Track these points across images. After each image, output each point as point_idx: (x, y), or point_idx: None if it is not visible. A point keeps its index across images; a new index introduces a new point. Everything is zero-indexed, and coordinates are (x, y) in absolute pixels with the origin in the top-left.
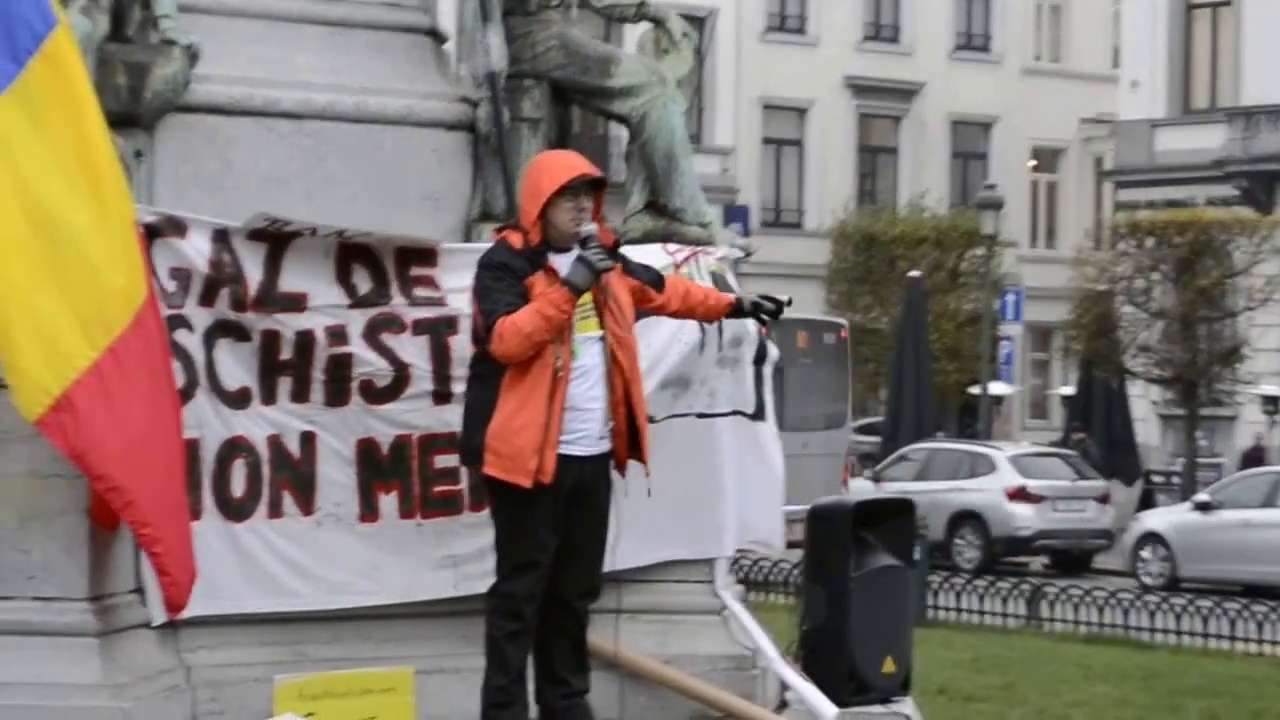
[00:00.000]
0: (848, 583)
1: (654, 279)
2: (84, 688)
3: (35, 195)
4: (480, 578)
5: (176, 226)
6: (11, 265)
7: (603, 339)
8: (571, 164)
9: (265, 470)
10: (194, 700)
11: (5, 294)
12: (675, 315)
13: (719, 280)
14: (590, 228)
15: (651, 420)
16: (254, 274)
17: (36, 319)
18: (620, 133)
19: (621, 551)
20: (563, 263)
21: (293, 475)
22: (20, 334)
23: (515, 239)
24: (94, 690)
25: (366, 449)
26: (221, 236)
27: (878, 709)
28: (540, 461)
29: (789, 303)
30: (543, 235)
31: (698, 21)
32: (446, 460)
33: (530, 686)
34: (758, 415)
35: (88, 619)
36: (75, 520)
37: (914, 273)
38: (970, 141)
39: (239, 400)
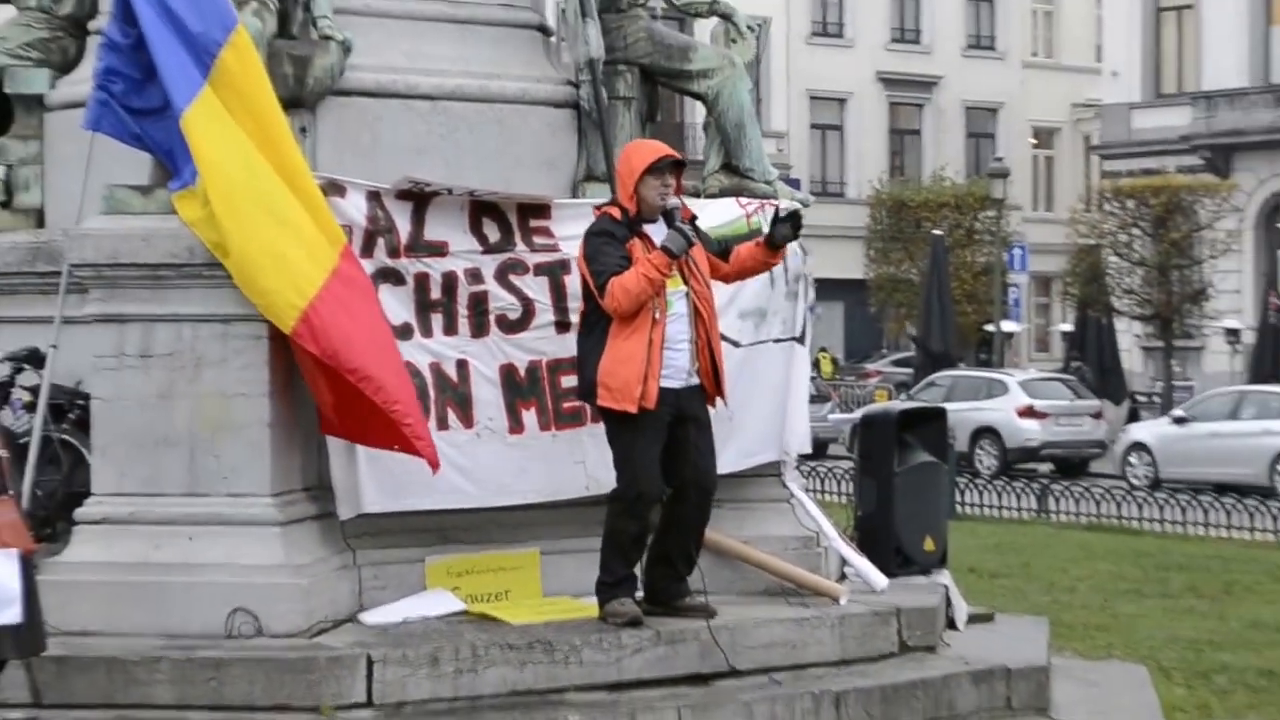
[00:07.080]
0: (893, 476)
1: (721, 252)
2: (269, 568)
3: (243, 158)
4: (603, 480)
5: (337, 188)
6: (243, 210)
7: (688, 294)
8: (657, 147)
9: (431, 392)
10: (360, 578)
11: (245, 231)
12: (733, 277)
13: None
14: (675, 201)
15: (737, 345)
16: (403, 226)
17: (274, 248)
18: (695, 119)
19: (726, 459)
20: (653, 231)
21: (454, 395)
22: (264, 260)
23: (615, 213)
24: (278, 570)
25: (507, 372)
26: (375, 196)
27: (920, 579)
28: (644, 389)
29: (805, 204)
30: (636, 208)
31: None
32: (571, 380)
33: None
34: (801, 340)
35: (271, 511)
36: (258, 431)
37: (937, 232)
38: (981, 124)
39: (403, 334)
